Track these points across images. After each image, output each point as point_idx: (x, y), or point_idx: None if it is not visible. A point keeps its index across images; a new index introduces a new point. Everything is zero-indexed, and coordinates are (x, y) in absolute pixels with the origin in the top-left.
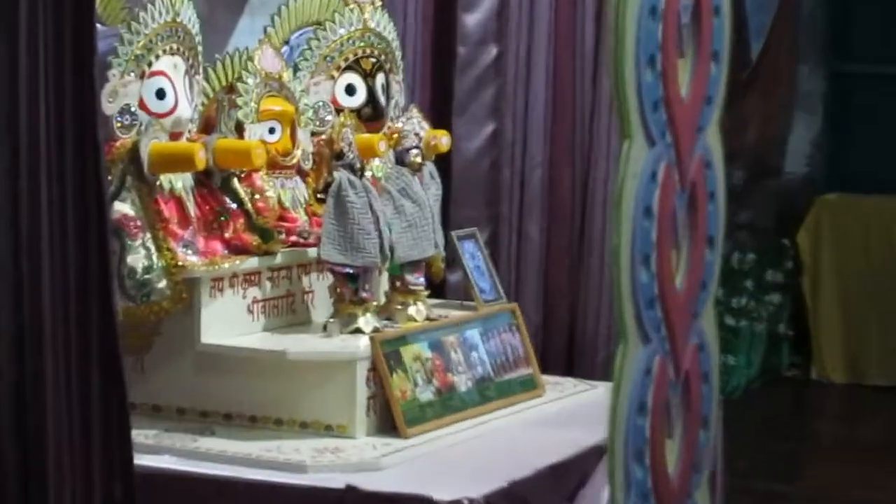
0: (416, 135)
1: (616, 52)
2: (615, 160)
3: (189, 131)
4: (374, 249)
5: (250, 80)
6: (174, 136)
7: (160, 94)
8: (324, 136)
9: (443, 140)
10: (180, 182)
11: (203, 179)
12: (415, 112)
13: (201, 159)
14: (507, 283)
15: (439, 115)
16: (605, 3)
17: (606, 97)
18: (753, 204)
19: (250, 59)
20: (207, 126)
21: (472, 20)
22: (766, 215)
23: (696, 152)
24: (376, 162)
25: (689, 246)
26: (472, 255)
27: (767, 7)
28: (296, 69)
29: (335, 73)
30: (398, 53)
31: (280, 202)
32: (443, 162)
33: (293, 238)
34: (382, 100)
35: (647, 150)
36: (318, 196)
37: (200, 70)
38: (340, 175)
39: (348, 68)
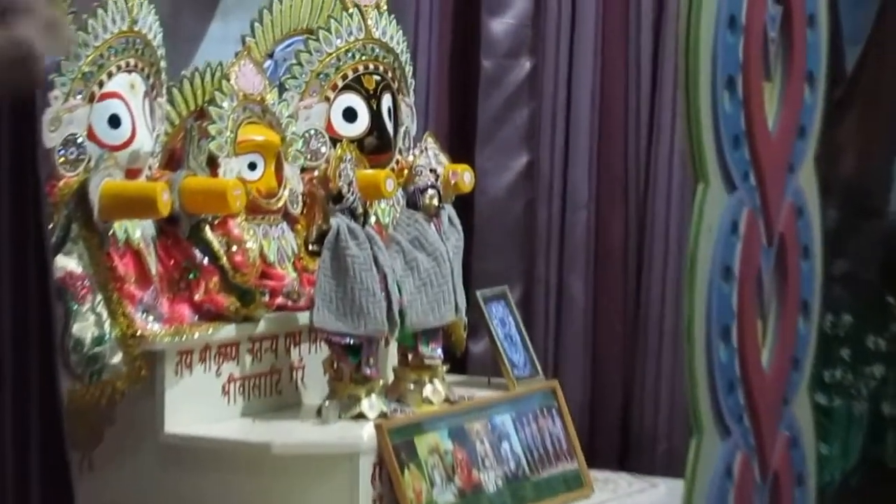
0: (432, 171)
1: (687, 72)
2: (681, 203)
3: (150, 167)
4: (380, 314)
5: (225, 104)
6: (131, 174)
7: (114, 120)
8: (317, 173)
9: (465, 177)
10: (139, 231)
11: (167, 228)
12: (430, 142)
13: (165, 203)
14: (544, 356)
15: (460, 146)
16: (666, 8)
17: (668, 122)
18: (850, 252)
19: (225, 76)
20: (172, 161)
21: (499, 27)
22: (867, 266)
23: (786, 198)
24: (382, 205)
25: (778, 314)
26: (502, 320)
27: (865, 2)
28: (282, 89)
29: (331, 94)
30: (409, 69)
31: (263, 255)
32: (465, 204)
33: (279, 300)
34: (389, 127)
35: (725, 196)
36: (311, 248)
37: (164, 91)
38: (338, 221)
39: (347, 88)
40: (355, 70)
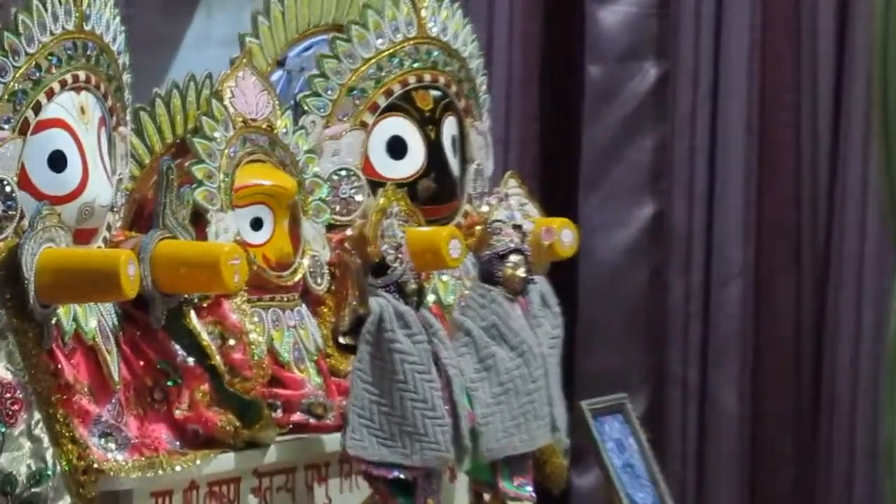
0: (516, 227)
1: (885, 90)
2: (878, 270)
3: (109, 227)
4: (441, 436)
5: (217, 134)
6: (82, 237)
7: (56, 160)
8: (350, 233)
9: (563, 235)
10: (93, 320)
11: (135, 314)
12: (512, 186)
13: (131, 278)
14: (681, 492)
15: (556, 191)
16: None
17: (858, 153)
18: None
19: (216, 94)
20: (141, 217)
21: (612, 18)
22: None
23: None
24: (444, 278)
25: None
26: (619, 442)
27: None
28: (298, 111)
29: (369, 119)
30: (482, 81)
31: (273, 352)
32: (564, 275)
33: (296, 417)
34: (454, 164)
35: None
36: (342, 341)
37: (127, 116)
38: (381, 303)
39: (393, 109)
40: (404, 83)
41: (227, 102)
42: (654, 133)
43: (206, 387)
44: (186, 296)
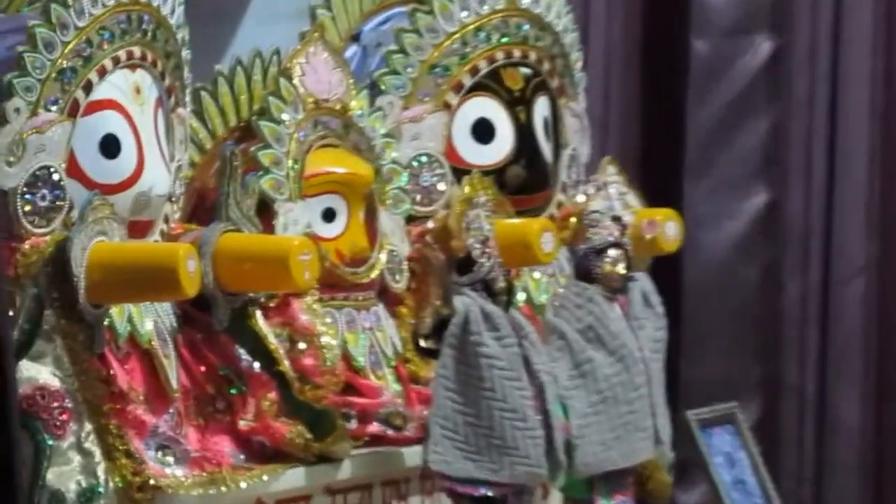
0: (615, 219)
1: None
2: None
3: (167, 219)
4: (532, 450)
5: (285, 116)
6: (137, 230)
7: (109, 145)
8: (431, 225)
9: (667, 228)
10: (149, 321)
11: (195, 315)
12: (612, 173)
13: (191, 275)
14: None
15: (659, 179)
16: None
17: None
18: None
19: (284, 72)
20: (202, 208)
21: None
22: None
23: None
24: (536, 275)
25: None
26: (729, 456)
27: None
28: (375, 91)
29: (453, 99)
30: (577, 58)
31: (347, 357)
32: (668, 272)
33: (373, 428)
34: (546, 150)
35: None
36: (423, 344)
37: (187, 97)
38: (465, 303)
39: (480, 89)
40: (491, 60)
41: (296, 81)
42: (766, 115)
43: (273, 395)
44: (252, 295)
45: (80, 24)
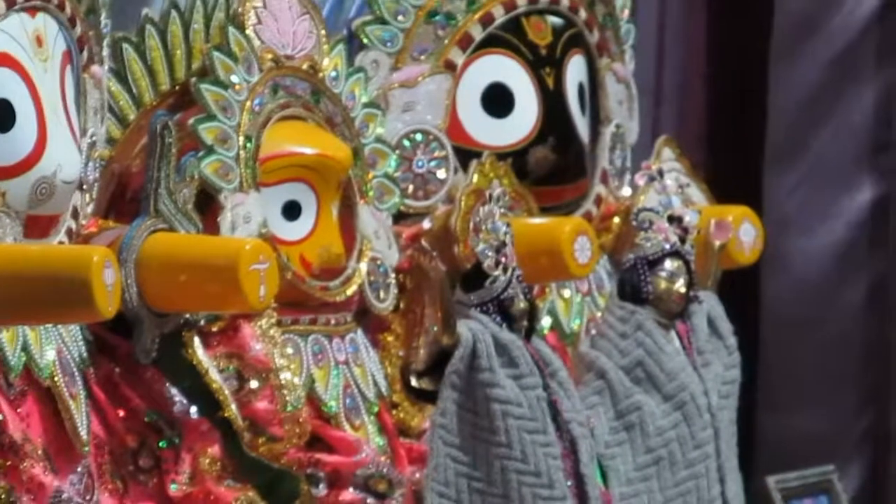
0: (674, 219)
1: None
2: None
3: (77, 213)
4: None
5: (235, 77)
6: (37, 227)
7: (0, 114)
8: (428, 225)
9: (743, 233)
10: (52, 350)
11: (113, 340)
12: (669, 158)
13: (107, 290)
14: None
15: (732, 166)
16: None
17: None
18: None
19: (233, 18)
20: (122, 198)
21: None
22: None
23: None
24: (567, 293)
25: None
26: None
27: None
28: (355, 45)
29: (458, 57)
30: (624, 2)
31: (315, 399)
32: (745, 290)
33: (348, 495)
34: (581, 126)
35: None
36: (414, 384)
37: (104, 49)
38: (473, 330)
39: (494, 43)
40: (510, 6)
41: (249, 31)
42: (875, 82)
43: (215, 450)
44: (188, 316)
45: None
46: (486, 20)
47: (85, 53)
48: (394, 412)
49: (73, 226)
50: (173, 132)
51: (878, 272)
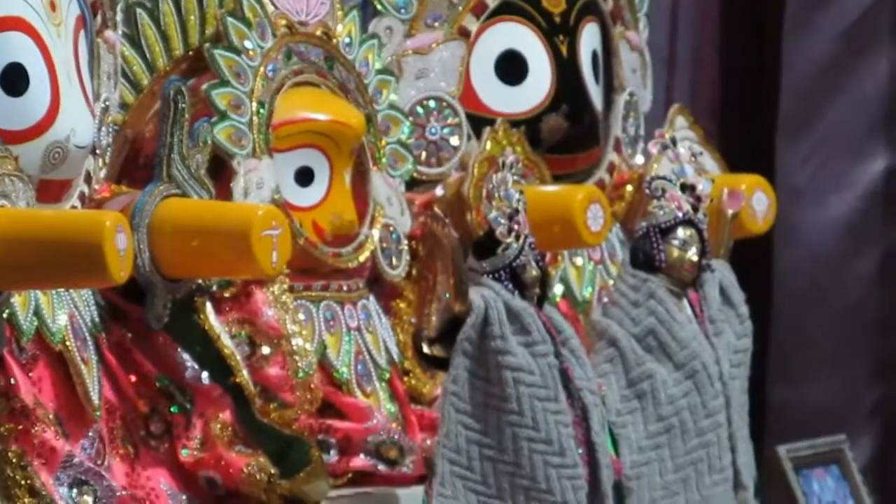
0: (686, 188)
1: None
2: None
3: (90, 178)
4: (571, 494)
5: (248, 43)
6: (50, 191)
7: (13, 78)
8: (440, 192)
9: (756, 202)
10: (64, 314)
11: (125, 306)
12: (682, 126)
13: (120, 255)
14: None
15: (745, 135)
16: None
17: None
18: None
19: None
20: (134, 164)
21: None
22: None
23: None
24: (579, 261)
25: None
26: None
27: None
28: (368, 12)
29: (472, 24)
30: None
31: (326, 366)
32: (757, 259)
33: (359, 461)
34: (595, 94)
35: None
36: (426, 350)
37: (118, 15)
38: (485, 297)
39: (508, 10)
40: None
41: None
42: (888, 54)
43: (226, 416)
44: (200, 282)
45: None
46: None
47: (98, 18)
48: (405, 379)
49: (86, 190)
50: (186, 98)
51: (891, 243)
